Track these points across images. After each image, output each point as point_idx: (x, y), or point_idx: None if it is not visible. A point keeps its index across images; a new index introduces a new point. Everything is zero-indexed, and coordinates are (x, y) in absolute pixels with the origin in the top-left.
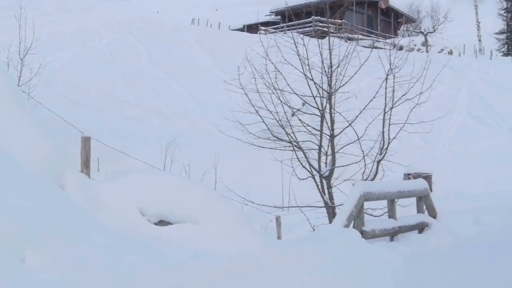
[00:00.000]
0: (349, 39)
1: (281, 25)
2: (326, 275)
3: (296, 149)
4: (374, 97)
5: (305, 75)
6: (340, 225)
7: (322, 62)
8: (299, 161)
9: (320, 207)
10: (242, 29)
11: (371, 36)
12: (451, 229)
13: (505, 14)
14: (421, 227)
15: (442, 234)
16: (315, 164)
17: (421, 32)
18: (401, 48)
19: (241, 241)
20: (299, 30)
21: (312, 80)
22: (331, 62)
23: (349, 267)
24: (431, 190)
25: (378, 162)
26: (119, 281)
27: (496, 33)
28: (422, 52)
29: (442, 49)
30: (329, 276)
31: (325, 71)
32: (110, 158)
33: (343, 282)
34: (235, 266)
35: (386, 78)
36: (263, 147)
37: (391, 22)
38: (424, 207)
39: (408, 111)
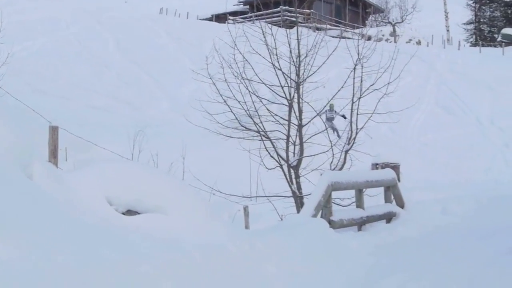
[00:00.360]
0: (317, 29)
1: (249, 14)
2: (294, 265)
3: (264, 139)
4: (342, 87)
5: (273, 65)
6: (308, 215)
7: (290, 52)
8: (267, 151)
9: (288, 196)
10: (210, 19)
11: (339, 26)
12: (419, 219)
13: (473, 5)
14: (389, 217)
15: (410, 223)
16: (283, 154)
17: (390, 22)
18: (369, 38)
19: (209, 230)
20: (267, 19)
21: (280, 70)
22: (299, 52)
23: (317, 257)
24: (399, 180)
25: (346, 152)
26: (86, 270)
27: (464, 24)
28: (390, 42)
29: (410, 39)
30: (297, 265)
31: (293, 61)
32: (78, 147)
33: (311, 271)
34: (203, 256)
35: (354, 68)
36: (231, 137)
37: (359, 12)
38: (392, 197)
39: (376, 101)
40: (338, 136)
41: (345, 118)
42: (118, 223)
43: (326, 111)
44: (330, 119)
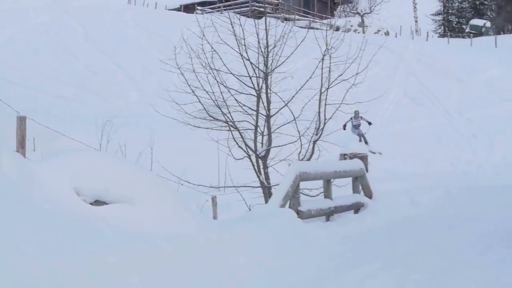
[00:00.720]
0: (286, 19)
1: (217, 5)
2: (262, 255)
3: (232, 129)
4: (310, 77)
5: (242, 55)
6: (276, 205)
7: (259, 42)
8: (235, 141)
9: (256, 187)
10: (178, 9)
11: (307, 17)
12: (387, 209)
13: None
14: (357, 207)
15: (378, 214)
16: (251, 144)
17: (358, 13)
18: (337, 29)
19: (177, 221)
20: (235, 10)
21: (249, 60)
22: (267, 42)
23: (285, 247)
24: (367, 171)
25: (314, 142)
26: (52, 261)
27: (433, 15)
28: (358, 33)
29: (379, 30)
30: (265, 256)
31: (261, 51)
32: (46, 137)
33: (279, 262)
34: (171, 246)
35: (323, 59)
36: (199, 127)
37: (327, 2)
38: (360, 188)
39: (344, 92)
40: (366, 142)
41: (370, 124)
42: (86, 214)
43: (351, 118)
44: (356, 126)
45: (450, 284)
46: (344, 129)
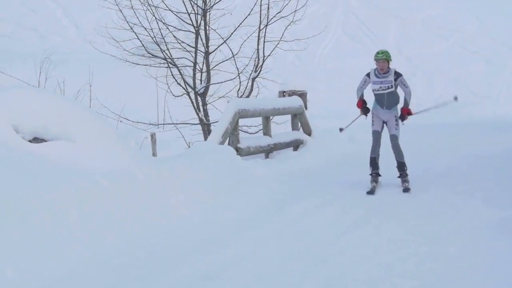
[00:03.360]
0: None
1: None
2: (201, 192)
3: (171, 66)
4: (249, 14)
5: None
6: (215, 142)
7: None
8: (174, 78)
9: (195, 124)
10: None
11: None
12: (326, 146)
13: None
14: (296, 144)
15: (317, 151)
16: (190, 81)
17: None
18: None
19: (115, 157)
20: None
21: None
22: None
23: (224, 184)
24: (306, 108)
25: (253, 79)
26: None
27: None
28: None
29: None
30: (204, 193)
31: None
32: None
33: (219, 199)
34: (110, 183)
35: None
36: (137, 64)
37: None
38: (299, 125)
39: (283, 29)
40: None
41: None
42: (24, 150)
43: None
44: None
45: (390, 219)
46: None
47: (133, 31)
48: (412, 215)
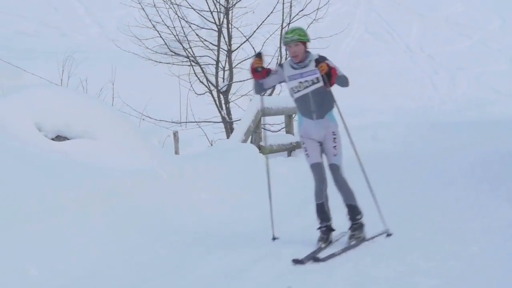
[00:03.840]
0: None
1: None
2: (223, 190)
3: (193, 64)
4: (271, 12)
5: None
6: (237, 140)
7: None
8: (196, 76)
9: (218, 122)
10: None
11: None
12: (348, 144)
13: None
14: None
15: None
16: (213, 79)
17: None
18: None
19: (138, 156)
20: None
21: None
22: None
23: (246, 182)
24: None
25: None
26: (14, 197)
27: None
28: None
29: None
30: (226, 191)
31: None
32: (7, 73)
33: (240, 196)
34: (132, 181)
35: None
36: (160, 62)
37: None
38: None
39: (305, 27)
40: None
41: None
42: (47, 149)
43: None
44: None
45: (412, 216)
46: None
47: (156, 30)
48: (434, 213)
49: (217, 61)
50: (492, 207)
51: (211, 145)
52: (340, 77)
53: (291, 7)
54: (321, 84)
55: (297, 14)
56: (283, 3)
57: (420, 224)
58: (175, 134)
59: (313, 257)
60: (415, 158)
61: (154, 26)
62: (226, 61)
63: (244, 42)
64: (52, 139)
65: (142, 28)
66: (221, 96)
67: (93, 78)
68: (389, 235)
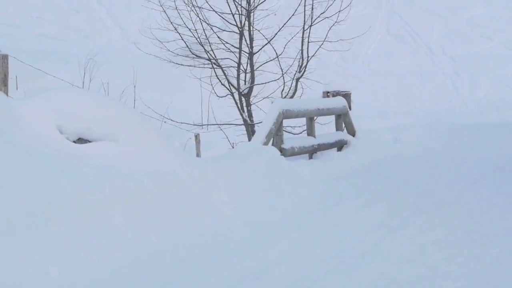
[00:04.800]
0: None
1: None
2: (245, 192)
3: (215, 66)
4: (293, 14)
5: None
6: (259, 142)
7: None
8: (218, 78)
9: (239, 124)
10: None
11: None
12: (370, 147)
13: None
14: (340, 145)
15: (361, 152)
16: (234, 82)
17: None
18: None
19: (159, 158)
20: None
21: None
22: None
23: (268, 185)
24: (350, 108)
25: (297, 80)
26: (37, 199)
27: None
28: None
29: None
30: (248, 193)
31: None
32: (29, 76)
33: (262, 199)
34: (154, 183)
35: None
36: (182, 65)
37: None
38: (343, 125)
39: (327, 29)
40: None
41: None
42: (69, 151)
43: None
44: None
45: (434, 220)
46: None
47: (177, 32)
48: (456, 215)
49: (239, 64)
50: None
51: (233, 147)
52: None
53: (312, 9)
54: None
55: (318, 17)
56: (305, 6)
57: (441, 226)
58: (197, 136)
59: None
60: (436, 160)
61: (175, 29)
62: (247, 63)
63: (266, 44)
64: (74, 141)
65: (163, 30)
66: (243, 99)
67: (115, 80)
68: None
